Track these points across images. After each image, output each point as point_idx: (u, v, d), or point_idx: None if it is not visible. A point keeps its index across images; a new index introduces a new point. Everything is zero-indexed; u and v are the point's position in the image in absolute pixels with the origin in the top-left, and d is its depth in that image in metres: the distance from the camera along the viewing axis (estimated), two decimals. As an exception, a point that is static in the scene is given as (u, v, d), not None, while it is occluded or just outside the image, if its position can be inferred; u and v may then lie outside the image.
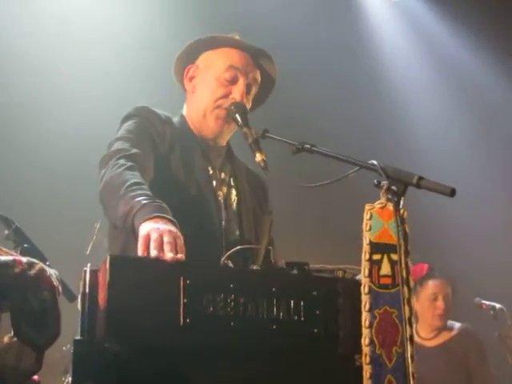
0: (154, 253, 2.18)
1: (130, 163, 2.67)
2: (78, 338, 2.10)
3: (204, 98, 3.05)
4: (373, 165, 2.41)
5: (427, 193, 2.36)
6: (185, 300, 2.10)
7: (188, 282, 2.12)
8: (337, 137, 5.80)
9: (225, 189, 3.04)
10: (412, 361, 2.17)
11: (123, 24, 5.90)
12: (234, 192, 3.07)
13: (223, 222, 2.93)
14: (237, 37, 3.12)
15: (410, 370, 2.15)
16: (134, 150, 2.78)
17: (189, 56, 3.14)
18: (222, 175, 3.08)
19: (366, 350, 2.18)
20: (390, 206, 2.30)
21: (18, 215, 3.01)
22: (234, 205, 3.04)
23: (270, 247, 2.57)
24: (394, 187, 2.32)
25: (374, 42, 7.03)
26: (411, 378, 2.14)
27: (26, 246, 2.54)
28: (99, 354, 2.04)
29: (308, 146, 2.65)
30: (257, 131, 2.84)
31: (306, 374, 2.22)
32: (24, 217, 3.14)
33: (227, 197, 3.03)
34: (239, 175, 3.14)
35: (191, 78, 3.13)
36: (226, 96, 3.02)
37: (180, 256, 2.18)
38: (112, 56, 5.82)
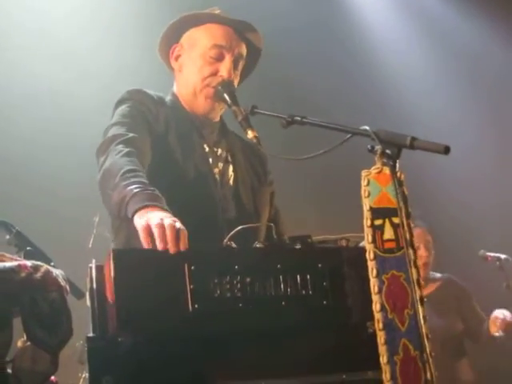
0: (160, 246, 2.18)
1: (128, 149, 2.68)
2: (90, 335, 2.10)
3: (192, 77, 3.05)
4: (365, 130, 2.40)
5: (421, 151, 2.36)
6: (191, 286, 2.11)
7: (193, 268, 2.13)
8: (326, 104, 5.80)
9: (221, 165, 3.03)
10: (425, 322, 2.17)
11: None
12: (230, 168, 3.06)
13: (220, 200, 2.94)
14: (217, 11, 3.11)
15: (424, 331, 2.16)
16: (131, 135, 2.78)
17: (173, 35, 3.12)
18: (219, 151, 3.07)
19: (377, 315, 2.18)
20: (387, 170, 2.29)
21: (16, 217, 3.00)
22: (231, 181, 3.03)
23: (272, 224, 2.57)
24: (388, 151, 2.31)
25: (357, 7, 7.01)
26: (425, 339, 2.15)
27: (28, 248, 2.54)
28: (114, 349, 2.05)
29: (298, 117, 2.64)
30: (246, 108, 2.84)
31: (321, 347, 2.22)
32: (22, 219, 3.13)
33: (224, 173, 3.03)
34: (235, 150, 3.13)
35: (177, 57, 3.12)
36: (213, 74, 3.01)
37: (183, 247, 2.18)
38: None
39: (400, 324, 2.18)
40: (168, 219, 2.25)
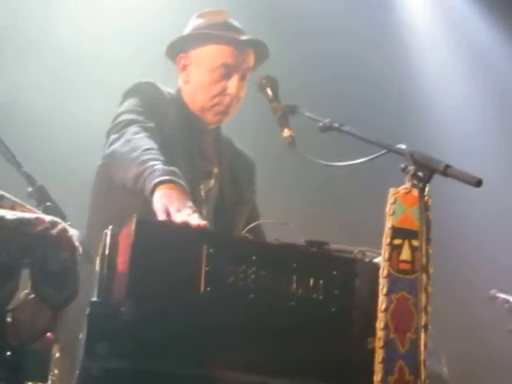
0: (179, 218, 2.21)
1: (147, 133, 2.71)
2: (94, 299, 2.12)
3: (200, 94, 3.07)
4: (401, 149, 2.40)
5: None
6: (206, 268, 2.13)
7: (211, 250, 2.14)
8: (363, 120, 5.76)
9: (210, 181, 3.06)
10: (425, 348, 2.17)
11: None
12: (217, 184, 3.09)
13: (204, 218, 2.93)
14: (224, 14, 3.12)
15: (422, 357, 2.15)
16: (150, 124, 2.81)
17: (181, 45, 3.12)
18: (209, 166, 3.09)
19: (380, 333, 2.19)
20: (415, 192, 2.29)
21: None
22: (215, 199, 3.07)
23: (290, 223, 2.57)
24: (420, 173, 2.30)
25: (404, 30, 6.96)
26: (422, 366, 2.14)
27: (48, 204, 2.54)
28: (114, 317, 2.06)
29: (336, 124, 2.64)
30: (286, 106, 2.84)
31: (319, 353, 2.22)
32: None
33: (210, 190, 3.06)
34: (224, 161, 3.15)
35: (184, 67, 3.12)
36: (221, 92, 3.03)
37: (204, 223, 2.20)
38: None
39: (400, 346, 2.18)
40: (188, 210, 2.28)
